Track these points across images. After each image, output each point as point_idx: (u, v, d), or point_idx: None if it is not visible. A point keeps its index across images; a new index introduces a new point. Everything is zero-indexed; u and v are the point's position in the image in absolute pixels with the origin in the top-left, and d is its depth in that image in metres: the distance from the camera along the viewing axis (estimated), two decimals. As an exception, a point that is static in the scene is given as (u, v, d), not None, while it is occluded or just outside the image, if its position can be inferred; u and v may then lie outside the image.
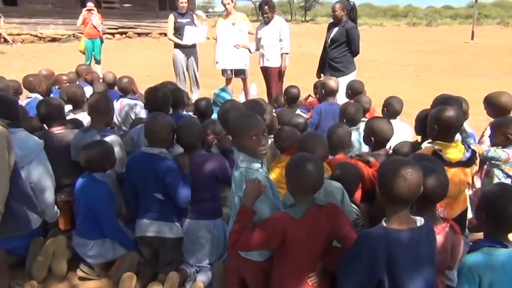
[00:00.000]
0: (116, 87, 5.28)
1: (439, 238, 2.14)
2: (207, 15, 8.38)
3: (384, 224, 1.93)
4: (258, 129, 2.25)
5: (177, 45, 7.40)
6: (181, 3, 7.31)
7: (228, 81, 7.23)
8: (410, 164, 1.91)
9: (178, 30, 7.31)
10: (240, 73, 7.17)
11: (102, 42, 10.77)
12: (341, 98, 5.08)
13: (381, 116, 4.06)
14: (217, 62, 7.06)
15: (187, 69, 7.53)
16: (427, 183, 2.09)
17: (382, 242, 1.85)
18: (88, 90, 5.22)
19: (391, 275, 1.85)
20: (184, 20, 7.32)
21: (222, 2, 7.17)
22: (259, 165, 2.29)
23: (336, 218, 2.16)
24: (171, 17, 7.37)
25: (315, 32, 23.15)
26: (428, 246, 1.94)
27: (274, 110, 4.59)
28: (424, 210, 2.13)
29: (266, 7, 6.51)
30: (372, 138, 3.19)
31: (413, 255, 1.87)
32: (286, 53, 6.57)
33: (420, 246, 1.90)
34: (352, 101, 4.49)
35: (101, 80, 6.04)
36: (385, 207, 1.96)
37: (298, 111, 4.75)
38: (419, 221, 1.95)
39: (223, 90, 5.24)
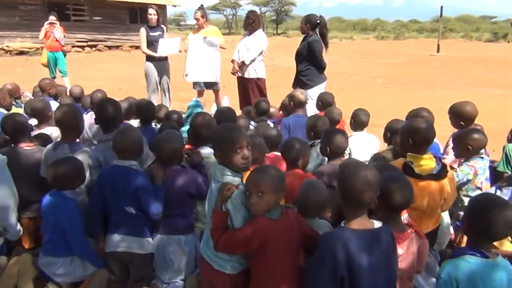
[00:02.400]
0: (82, 101, 5.20)
1: (406, 244, 2.20)
2: (178, 28, 8.40)
3: (343, 225, 2.01)
4: (242, 143, 2.25)
5: (149, 58, 7.36)
6: (150, 14, 7.31)
7: (200, 93, 7.24)
8: (368, 167, 2.01)
9: (150, 44, 7.28)
10: (212, 85, 7.18)
11: (65, 55, 10.61)
12: (311, 111, 5.14)
13: (339, 128, 4.13)
14: (186, 75, 7.06)
15: (160, 82, 7.49)
16: (391, 192, 2.16)
17: (340, 240, 1.92)
18: (53, 105, 5.11)
19: (350, 272, 1.90)
20: (156, 33, 7.31)
21: (194, 16, 7.22)
22: (239, 180, 2.28)
23: (299, 218, 2.31)
24: (143, 30, 7.34)
25: (287, 45, 23.43)
26: (386, 247, 1.99)
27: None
28: (389, 218, 2.20)
29: (250, 17, 6.64)
30: (328, 148, 3.26)
31: (370, 254, 1.91)
32: (243, 62, 6.57)
33: (377, 246, 1.95)
34: (322, 113, 4.55)
35: (68, 94, 5.94)
36: (345, 210, 2.04)
37: (268, 122, 4.80)
38: (378, 223, 2.02)
39: (197, 102, 5.24)
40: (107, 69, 15.72)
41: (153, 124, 4.34)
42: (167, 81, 7.53)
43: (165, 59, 7.42)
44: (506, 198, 3.73)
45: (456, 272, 1.94)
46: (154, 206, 2.84)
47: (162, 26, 7.63)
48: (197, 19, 7.13)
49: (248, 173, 2.26)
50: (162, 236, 2.96)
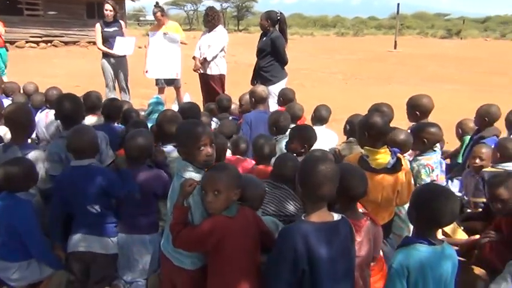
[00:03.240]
0: (32, 99, 5.03)
1: (362, 232, 2.27)
2: (138, 24, 8.26)
3: (303, 218, 2.04)
4: (206, 140, 2.25)
5: (105, 55, 7.23)
6: (106, 10, 7.15)
7: (161, 90, 7.16)
8: (326, 161, 2.05)
9: (106, 40, 7.12)
10: (172, 82, 7.10)
11: (7, 50, 10.22)
12: (273, 106, 5.19)
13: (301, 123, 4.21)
14: (147, 71, 6.97)
15: (116, 78, 7.34)
16: (347, 182, 2.22)
17: (300, 233, 1.95)
18: (6, 103, 4.91)
19: (310, 265, 1.94)
20: (111, 29, 7.17)
21: (153, 13, 7.10)
22: (201, 176, 2.27)
23: (255, 215, 2.32)
24: (98, 26, 7.21)
25: (248, 41, 23.38)
26: (344, 239, 2.05)
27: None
28: (346, 207, 2.28)
29: (209, 14, 6.57)
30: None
31: (329, 246, 1.96)
32: (205, 58, 6.52)
33: (336, 238, 2.00)
34: (283, 109, 4.60)
35: (21, 91, 5.71)
36: (306, 203, 2.09)
37: (230, 119, 4.81)
38: (337, 216, 2.06)
39: (158, 99, 5.17)
40: (63, 66, 15.23)
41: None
42: (125, 78, 7.40)
43: (122, 55, 7.28)
44: (456, 188, 3.92)
45: (408, 261, 2.02)
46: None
47: (121, 21, 7.48)
48: (156, 17, 7.05)
49: None
50: (126, 236, 2.92)
